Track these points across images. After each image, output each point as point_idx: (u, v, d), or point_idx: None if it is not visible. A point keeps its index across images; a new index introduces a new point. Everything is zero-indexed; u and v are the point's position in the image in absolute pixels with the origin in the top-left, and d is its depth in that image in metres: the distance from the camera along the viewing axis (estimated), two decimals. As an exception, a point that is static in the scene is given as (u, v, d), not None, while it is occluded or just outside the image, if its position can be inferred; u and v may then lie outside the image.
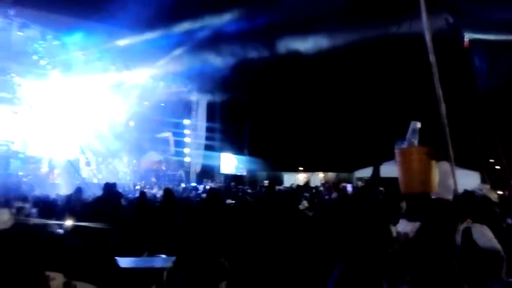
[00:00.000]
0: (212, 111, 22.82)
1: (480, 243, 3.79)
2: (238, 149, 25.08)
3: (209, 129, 22.84)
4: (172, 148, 21.34)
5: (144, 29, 15.21)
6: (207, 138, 22.75)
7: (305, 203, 7.76)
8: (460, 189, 4.01)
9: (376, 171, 5.05)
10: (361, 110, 20.90)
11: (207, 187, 15.44)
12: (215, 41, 16.41)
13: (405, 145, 3.13)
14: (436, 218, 2.77)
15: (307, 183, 20.46)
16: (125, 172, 18.70)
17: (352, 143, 21.72)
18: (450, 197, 2.86)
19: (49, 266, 3.53)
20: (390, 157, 3.30)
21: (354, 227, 2.90)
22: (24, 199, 6.84)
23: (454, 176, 3.33)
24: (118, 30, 15.24)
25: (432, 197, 2.96)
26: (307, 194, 10.26)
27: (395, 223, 3.06)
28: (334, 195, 12.19)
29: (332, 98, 21.31)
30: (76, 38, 15.46)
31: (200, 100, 22.60)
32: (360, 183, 18.10)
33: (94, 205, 7.53)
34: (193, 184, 18.87)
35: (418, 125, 3.16)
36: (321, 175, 26.74)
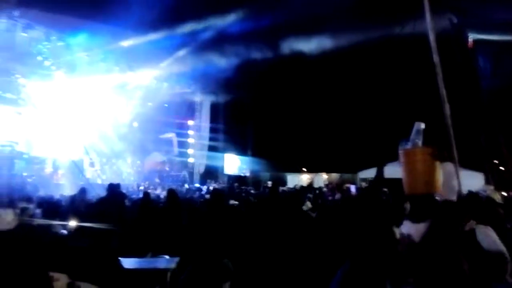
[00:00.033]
0: (215, 112, 22.81)
1: (484, 245, 3.78)
2: (241, 150, 25.07)
3: (212, 130, 22.80)
4: (176, 149, 21.31)
5: (148, 30, 15.23)
6: (211, 139, 22.72)
7: (308, 204, 7.71)
8: (464, 190, 4.00)
9: (380, 172, 5.05)
10: (365, 111, 20.84)
11: (211, 188, 15.44)
12: (218, 42, 16.41)
13: (409, 146, 3.13)
14: (440, 219, 2.76)
15: (310, 184, 20.37)
16: (129, 172, 18.71)
17: (356, 144, 21.60)
18: (454, 198, 2.84)
19: (53, 267, 3.53)
20: (394, 158, 3.29)
21: (358, 228, 2.89)
22: (28, 199, 6.84)
23: (458, 177, 3.31)
24: (122, 31, 15.26)
25: (436, 198, 2.95)
26: (310, 195, 10.21)
27: (399, 224, 3.05)
28: (337, 196, 12.09)
29: (336, 99, 21.25)
30: (80, 39, 15.46)
31: (204, 101, 22.58)
32: (364, 184, 17.98)
33: (98, 206, 7.53)
34: (197, 185, 18.81)
35: (422, 125, 3.15)
36: (324, 176, 26.63)
